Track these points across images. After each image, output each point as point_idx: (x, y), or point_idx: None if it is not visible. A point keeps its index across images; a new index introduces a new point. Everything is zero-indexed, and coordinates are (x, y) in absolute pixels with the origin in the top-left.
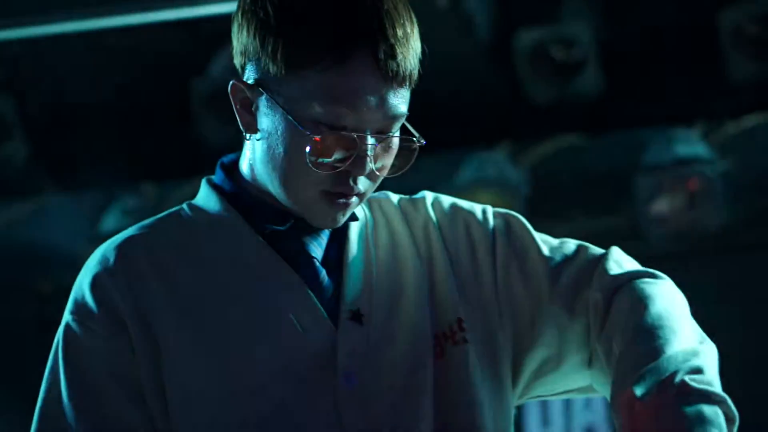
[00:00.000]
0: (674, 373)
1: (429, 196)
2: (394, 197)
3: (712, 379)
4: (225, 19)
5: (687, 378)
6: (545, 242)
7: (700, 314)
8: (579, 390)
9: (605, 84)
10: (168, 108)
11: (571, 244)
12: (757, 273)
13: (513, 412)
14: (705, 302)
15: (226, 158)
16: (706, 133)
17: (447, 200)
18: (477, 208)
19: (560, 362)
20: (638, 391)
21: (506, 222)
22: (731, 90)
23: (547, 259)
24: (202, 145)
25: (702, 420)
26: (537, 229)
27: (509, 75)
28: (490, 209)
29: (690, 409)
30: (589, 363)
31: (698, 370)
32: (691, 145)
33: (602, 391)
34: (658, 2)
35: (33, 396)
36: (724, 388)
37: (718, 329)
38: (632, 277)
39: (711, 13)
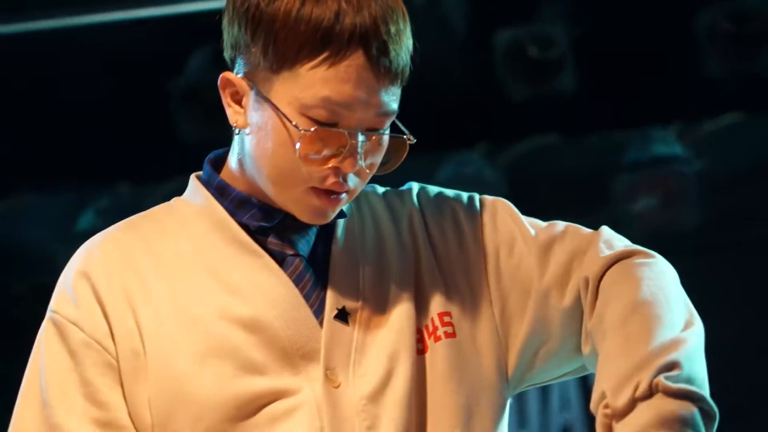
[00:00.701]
0: (650, 374)
1: (415, 186)
2: (380, 189)
3: (690, 373)
4: (202, 17)
5: (662, 378)
6: (533, 225)
7: None
8: (574, 371)
9: (582, 83)
10: (144, 107)
11: (559, 226)
12: (733, 272)
13: (508, 402)
14: None
15: (213, 154)
16: (683, 132)
17: (433, 190)
18: (463, 196)
19: (555, 348)
20: (612, 396)
21: (493, 208)
22: (707, 89)
23: (536, 243)
24: (179, 145)
25: (677, 422)
26: None
27: (486, 74)
28: (476, 196)
29: (664, 412)
30: (583, 347)
31: (675, 365)
32: (667, 144)
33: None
34: (634, 2)
35: (8, 396)
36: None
37: None
38: (622, 257)
39: (686, 11)
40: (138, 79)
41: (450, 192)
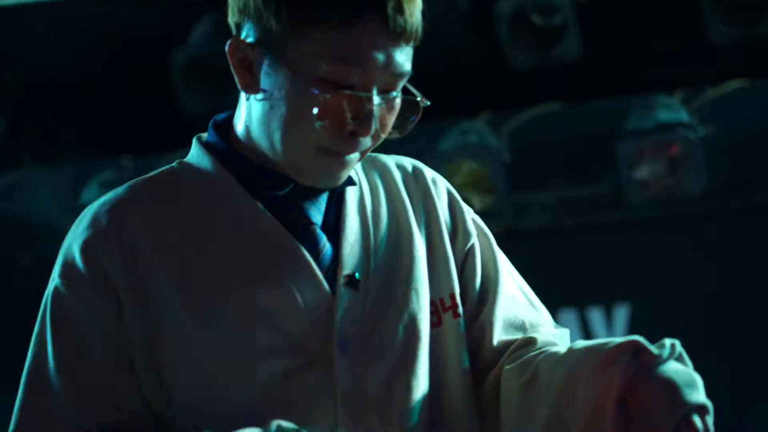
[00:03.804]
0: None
1: (429, 171)
2: (390, 162)
3: None
4: None
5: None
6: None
7: (680, 278)
8: None
9: (586, 50)
10: (146, 80)
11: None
12: (737, 237)
13: None
14: (686, 266)
15: (219, 117)
16: (687, 98)
17: (445, 183)
18: (467, 208)
19: None
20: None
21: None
22: (711, 55)
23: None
24: (181, 118)
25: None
26: (520, 197)
27: (489, 42)
28: (476, 217)
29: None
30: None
31: None
32: (672, 110)
33: None
34: None
35: (13, 369)
36: (698, 359)
37: (698, 293)
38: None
39: None
40: (140, 52)
41: (459, 197)
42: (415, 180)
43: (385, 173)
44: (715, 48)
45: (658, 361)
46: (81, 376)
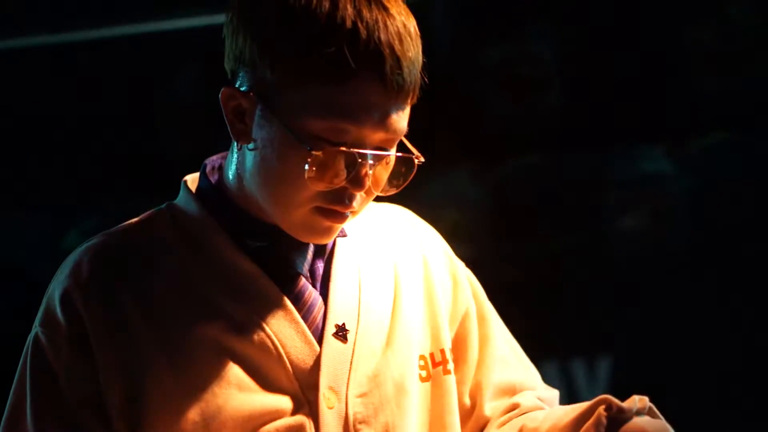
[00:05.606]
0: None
1: (422, 224)
2: (383, 212)
3: None
4: (189, 34)
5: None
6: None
7: (664, 331)
8: None
9: (569, 101)
10: (130, 124)
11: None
12: (721, 289)
13: None
14: (669, 318)
15: (209, 161)
16: (671, 149)
17: (439, 238)
18: (460, 265)
19: None
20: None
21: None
22: (695, 106)
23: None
24: (165, 163)
25: None
26: (502, 248)
27: (472, 93)
28: (469, 274)
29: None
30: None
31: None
32: (655, 162)
33: None
34: (620, 19)
35: None
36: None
37: (682, 346)
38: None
39: (675, 29)
40: (125, 96)
41: (454, 256)
42: (409, 233)
43: (377, 223)
44: (698, 99)
45: (629, 414)
46: (55, 427)
